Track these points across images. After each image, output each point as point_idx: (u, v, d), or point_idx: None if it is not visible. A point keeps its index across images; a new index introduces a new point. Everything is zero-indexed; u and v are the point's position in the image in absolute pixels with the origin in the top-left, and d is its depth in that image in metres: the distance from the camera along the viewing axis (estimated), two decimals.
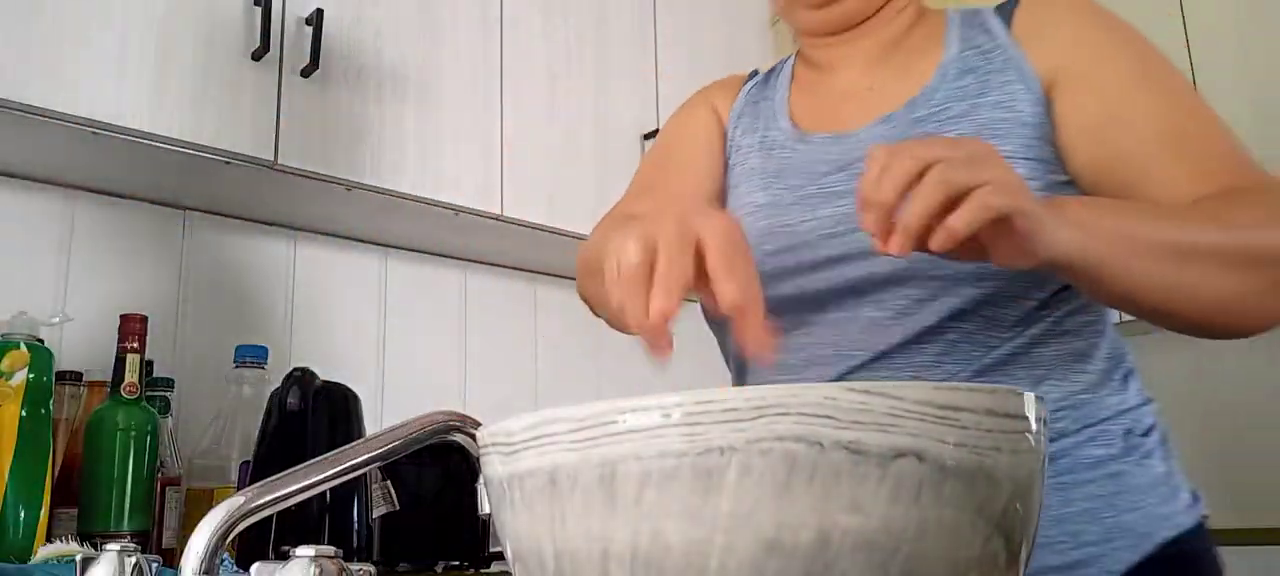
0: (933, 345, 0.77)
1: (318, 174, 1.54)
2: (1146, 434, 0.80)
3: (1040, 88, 0.79)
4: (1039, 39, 0.81)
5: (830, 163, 0.84)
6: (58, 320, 1.38)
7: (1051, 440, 0.76)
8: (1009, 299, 0.77)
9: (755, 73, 1.02)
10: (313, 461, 0.57)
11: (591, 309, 0.93)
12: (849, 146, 0.84)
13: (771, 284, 0.82)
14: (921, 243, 0.56)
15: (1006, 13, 0.85)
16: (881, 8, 0.89)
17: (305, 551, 0.52)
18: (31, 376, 1.20)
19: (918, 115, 0.82)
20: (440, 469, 1.56)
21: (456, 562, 1.56)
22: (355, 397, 1.52)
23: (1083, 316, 0.80)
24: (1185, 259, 0.65)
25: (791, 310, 0.83)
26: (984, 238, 0.58)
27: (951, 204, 0.55)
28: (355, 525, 1.45)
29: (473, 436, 0.61)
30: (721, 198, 0.94)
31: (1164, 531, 0.76)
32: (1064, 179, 0.78)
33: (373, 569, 0.59)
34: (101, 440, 1.26)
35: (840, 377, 0.80)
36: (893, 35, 0.90)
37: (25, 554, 1.16)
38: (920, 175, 0.55)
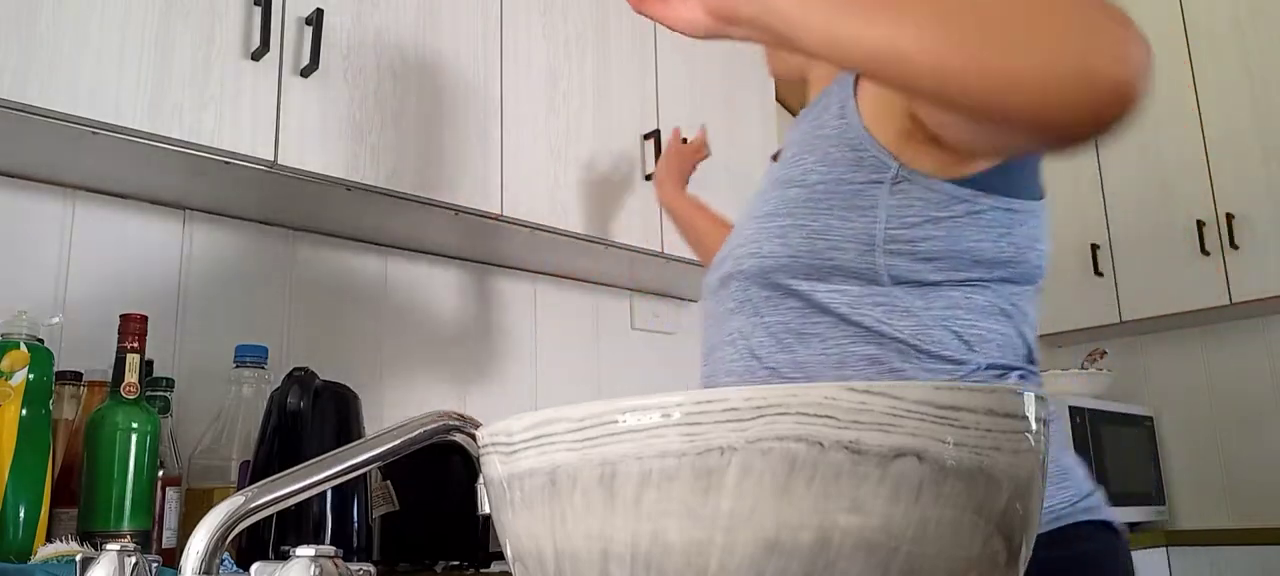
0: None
1: (318, 174, 1.54)
2: None
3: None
4: None
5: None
6: (58, 320, 1.38)
7: None
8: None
9: None
10: (313, 461, 0.57)
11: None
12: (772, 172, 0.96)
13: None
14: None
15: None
16: None
17: (305, 551, 0.52)
18: (31, 376, 1.19)
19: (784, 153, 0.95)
20: (440, 469, 1.56)
21: (456, 562, 1.56)
22: (355, 397, 1.52)
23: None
24: (893, 11, 0.59)
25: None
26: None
27: None
28: (355, 525, 1.44)
29: (473, 436, 0.60)
30: None
31: None
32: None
33: (373, 569, 0.59)
34: (101, 440, 1.26)
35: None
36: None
37: (25, 554, 1.16)
38: None
